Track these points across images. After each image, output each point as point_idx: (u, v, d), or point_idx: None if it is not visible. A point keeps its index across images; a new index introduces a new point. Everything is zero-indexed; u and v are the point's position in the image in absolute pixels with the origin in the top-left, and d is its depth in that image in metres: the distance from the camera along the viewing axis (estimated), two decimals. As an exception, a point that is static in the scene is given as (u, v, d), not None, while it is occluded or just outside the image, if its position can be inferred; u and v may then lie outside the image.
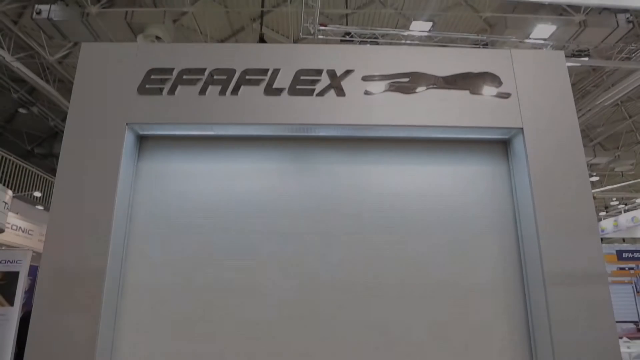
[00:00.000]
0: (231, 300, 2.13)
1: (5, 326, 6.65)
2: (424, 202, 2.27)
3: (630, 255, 11.94)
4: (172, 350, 2.06)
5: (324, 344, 2.08)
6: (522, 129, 2.21)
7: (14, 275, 6.85)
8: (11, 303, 6.75)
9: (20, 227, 9.93)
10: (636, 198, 17.11)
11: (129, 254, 2.17)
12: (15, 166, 11.29)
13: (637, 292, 12.35)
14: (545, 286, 1.98)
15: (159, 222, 2.22)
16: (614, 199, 18.67)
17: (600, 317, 1.97)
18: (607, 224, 14.52)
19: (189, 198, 2.26)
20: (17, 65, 9.15)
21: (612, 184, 15.23)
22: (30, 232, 10.10)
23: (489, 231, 2.24)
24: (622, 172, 15.66)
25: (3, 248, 8.92)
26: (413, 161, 2.35)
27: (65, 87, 10.97)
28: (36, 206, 11.53)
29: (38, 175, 12.10)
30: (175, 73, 2.25)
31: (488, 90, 2.26)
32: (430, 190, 2.30)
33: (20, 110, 12.74)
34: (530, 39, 8.49)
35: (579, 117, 2.29)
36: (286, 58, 2.29)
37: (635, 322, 12.28)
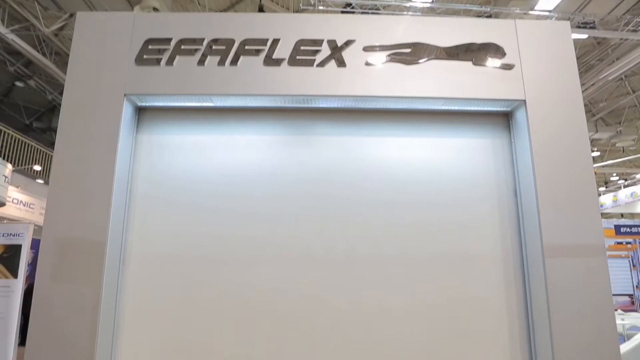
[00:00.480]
0: (231, 271, 2.15)
1: (10, 298, 6.77)
2: (425, 174, 2.27)
3: (628, 230, 12.05)
4: (175, 318, 2.10)
5: (323, 317, 2.11)
6: (524, 101, 2.18)
7: (17, 248, 6.93)
8: (15, 275, 6.85)
9: (21, 201, 9.97)
10: (636, 174, 17.12)
11: (129, 226, 2.18)
12: (15, 140, 11.26)
13: (634, 266, 12.52)
14: (543, 258, 2.00)
15: (159, 193, 2.23)
16: (614, 174, 18.69)
17: (597, 290, 1.99)
18: (606, 199, 14.58)
19: (188, 170, 2.26)
20: (12, 38, 8.99)
21: (613, 160, 15.21)
22: (31, 205, 10.15)
23: (489, 204, 2.24)
24: (623, 147, 15.63)
25: (5, 221, 8.97)
26: (414, 133, 2.33)
27: (62, 60, 10.84)
28: (36, 180, 11.55)
29: (37, 149, 12.08)
30: (173, 43, 2.21)
31: (491, 61, 2.22)
32: (431, 162, 2.29)
33: (17, 83, 12.62)
34: (534, 10, 8.33)
35: (582, 92, 2.26)
36: (286, 28, 2.25)
37: (630, 295, 12.50)
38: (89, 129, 2.12)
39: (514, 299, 2.15)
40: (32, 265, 7.36)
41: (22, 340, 6.51)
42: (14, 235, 7.06)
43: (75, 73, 2.19)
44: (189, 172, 2.25)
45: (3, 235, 7.03)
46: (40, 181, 11.60)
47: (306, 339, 2.09)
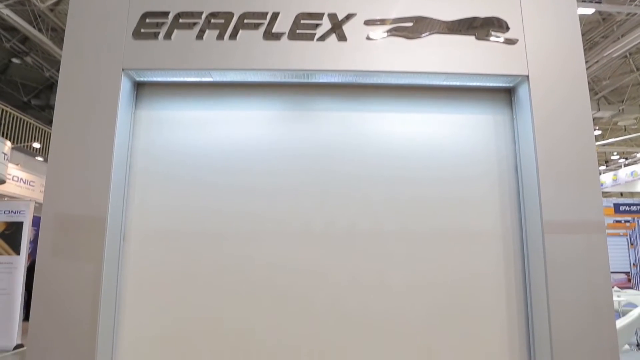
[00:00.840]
0: (231, 246, 2.16)
1: (13, 274, 6.85)
2: (425, 149, 2.26)
3: (627, 208, 12.09)
4: (176, 292, 2.12)
5: (323, 292, 2.14)
6: (527, 76, 2.15)
7: (18, 225, 6.98)
8: (17, 252, 6.92)
9: (21, 179, 9.98)
10: (637, 152, 17.08)
11: (129, 201, 2.19)
12: (13, 117, 11.19)
13: (631, 244, 12.62)
14: (543, 234, 2.01)
15: (159, 169, 2.22)
16: (615, 153, 18.65)
17: (596, 267, 2.01)
18: (606, 178, 14.58)
19: (188, 145, 2.25)
20: (6, 13, 8.84)
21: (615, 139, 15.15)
22: (31, 183, 10.16)
23: (490, 180, 2.24)
24: (625, 126, 15.55)
25: (6, 199, 9.00)
26: (415, 109, 2.31)
27: (59, 36, 10.68)
28: (36, 157, 11.54)
29: (36, 127, 12.03)
30: (170, 17, 2.17)
31: (494, 36, 2.18)
32: (432, 138, 2.28)
33: (14, 60, 12.46)
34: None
35: (586, 69, 2.23)
36: (286, 1, 2.20)
37: (626, 273, 12.65)
38: (87, 105, 2.10)
39: (512, 275, 2.17)
40: (34, 242, 7.42)
41: (27, 315, 6.62)
42: (15, 213, 7.10)
43: (71, 48, 2.16)
44: (188, 148, 2.24)
45: (4, 213, 7.08)
46: (40, 159, 11.58)
47: (306, 314, 2.12)
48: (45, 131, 12.23)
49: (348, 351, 2.10)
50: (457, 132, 2.29)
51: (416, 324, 2.12)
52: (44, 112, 14.86)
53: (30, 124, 11.89)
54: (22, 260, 6.97)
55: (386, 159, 2.25)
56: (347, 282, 2.15)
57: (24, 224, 7.06)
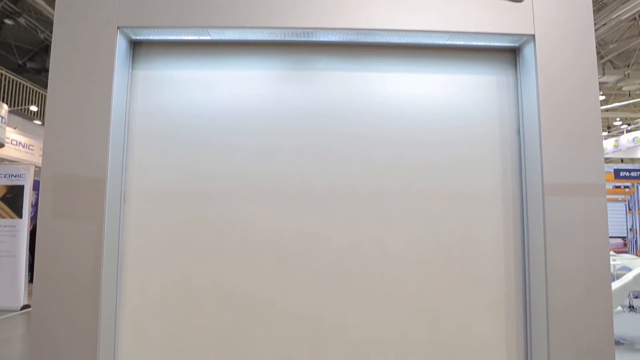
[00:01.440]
0: (231, 207, 2.17)
1: (17, 237, 6.94)
2: (427, 110, 2.23)
3: (627, 174, 12.11)
4: (177, 253, 2.15)
5: (323, 254, 2.16)
6: (533, 36, 2.10)
7: (20, 189, 7.01)
8: (20, 215, 6.99)
9: (20, 142, 9.94)
10: (640, 118, 16.93)
11: (129, 162, 2.17)
12: (9, 80, 11.02)
13: (629, 210, 12.74)
14: (543, 196, 2.01)
15: (158, 129, 2.20)
16: (618, 119, 18.50)
17: (595, 229, 2.02)
18: (608, 144, 14.52)
19: (186, 105, 2.21)
20: (-3, -30, 8.54)
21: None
22: (30, 147, 10.13)
23: (492, 141, 2.22)
24: (629, 91, 15.33)
25: (5, 163, 8.99)
26: (417, 69, 2.26)
27: (51, -5, 10.36)
28: (34, 121, 11.44)
29: (33, 90, 11.87)
30: (166, -29, 2.09)
31: (501, -7, 2.11)
32: (434, 98, 2.24)
33: (7, 21, 12.15)
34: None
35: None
36: (285, -45, 2.11)
37: (623, 238, 12.83)
38: (82, 65, 2.06)
39: (512, 237, 2.18)
40: (36, 206, 7.47)
41: (32, 277, 6.75)
42: (15, 176, 7.11)
43: (64, 6, 2.09)
44: (187, 108, 2.21)
45: (5, 177, 7.09)
46: (38, 122, 11.49)
47: (306, 276, 2.15)
48: (41, 94, 12.08)
49: (348, 313, 2.14)
50: (459, 93, 2.25)
51: (416, 286, 2.16)
52: (40, 75, 14.62)
53: (26, 87, 11.72)
54: (24, 223, 7.04)
55: (387, 119, 2.22)
56: (347, 244, 2.17)
57: (24, 187, 7.09)
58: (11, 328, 5.75)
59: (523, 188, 2.19)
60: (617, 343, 5.00)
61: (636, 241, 12.69)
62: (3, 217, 7.01)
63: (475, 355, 2.14)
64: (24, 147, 10.01)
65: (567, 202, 2.02)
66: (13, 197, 7.05)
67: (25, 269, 6.93)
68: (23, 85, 11.56)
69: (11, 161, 9.25)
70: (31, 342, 1.94)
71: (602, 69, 13.49)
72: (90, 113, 2.03)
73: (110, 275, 2.04)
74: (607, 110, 15.66)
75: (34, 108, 11.64)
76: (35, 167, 7.81)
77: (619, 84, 14.35)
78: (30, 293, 6.79)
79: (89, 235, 1.97)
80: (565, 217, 2.01)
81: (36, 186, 7.50)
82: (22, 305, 6.83)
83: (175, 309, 2.13)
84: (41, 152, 2.11)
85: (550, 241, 2.00)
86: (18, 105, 11.11)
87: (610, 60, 13.87)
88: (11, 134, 9.71)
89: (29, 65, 14.54)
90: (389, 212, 2.18)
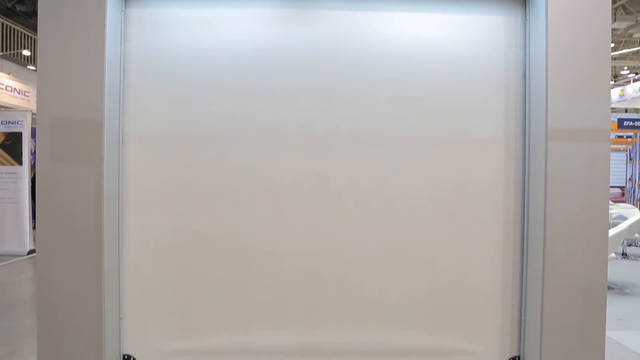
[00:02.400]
0: (231, 148, 2.15)
1: (18, 184, 6.97)
2: (431, 51, 2.16)
3: (631, 123, 11.98)
4: (177, 195, 2.15)
5: (323, 196, 2.16)
6: (546, -28, 1.99)
7: (18, 136, 6.96)
8: (20, 162, 6.97)
9: (15, 89, 9.75)
10: (648, 67, 16.51)
11: (126, 104, 2.13)
12: (-1, 24, 10.65)
13: (630, 160, 12.71)
14: (546, 142, 1.98)
15: (154, 70, 2.14)
16: (625, 67, 18.05)
17: (596, 176, 2.01)
18: (613, 94, 14.23)
19: (183, 45, 2.14)
20: None
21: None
22: (26, 93, 9.95)
23: (496, 85, 2.17)
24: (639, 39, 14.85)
25: (1, 110, 8.87)
26: (422, 8, 2.17)
27: None
28: (27, 66, 11.18)
29: (24, 34, 11.50)
30: None
31: None
32: (439, 39, 2.16)
33: (-7, -40, 11.55)
34: None
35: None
36: None
37: (621, 188, 12.90)
38: (72, 3, 1.96)
39: (512, 183, 2.18)
40: (36, 154, 7.45)
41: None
42: (13, 123, 7.04)
43: (50, -63, 1.96)
44: (184, 48, 2.14)
45: (2, 123, 7.01)
46: (32, 68, 11.22)
47: (305, 221, 2.17)
48: (33, 39, 11.70)
49: (347, 259, 2.18)
50: (466, 34, 2.17)
51: (415, 231, 2.18)
52: (31, 19, 14.09)
53: (17, 31, 11.34)
54: (25, 170, 7.05)
55: (390, 60, 2.16)
56: (347, 188, 2.17)
57: (22, 134, 7.03)
58: (19, 272, 5.92)
59: (526, 133, 2.16)
60: (608, 288, 5.17)
61: (634, 191, 12.79)
62: (3, 164, 7.01)
63: (472, 299, 2.20)
64: (19, 93, 9.83)
65: (570, 147, 2.00)
66: (12, 144, 7.01)
67: (29, 216, 7.01)
68: (14, 29, 11.18)
69: (7, 108, 9.12)
70: (38, 286, 1.99)
71: (614, 14, 12.99)
72: (82, 54, 1.96)
73: (112, 219, 2.06)
74: (615, 59, 15.24)
75: (26, 52, 11.32)
76: (33, 114, 7.70)
77: (630, 31, 13.87)
78: (35, 239, 6.92)
79: (88, 179, 1.97)
80: (567, 163, 2.00)
81: (34, 134, 7.44)
82: (28, 250, 6.97)
83: (175, 253, 2.17)
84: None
85: (551, 187, 1.99)
86: (9, 50, 10.80)
87: (622, 5, 13.32)
88: (5, 79, 9.50)
89: (18, 8, 13.97)
90: (390, 156, 2.17)
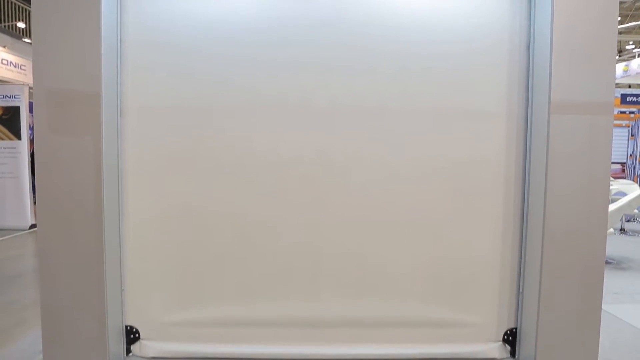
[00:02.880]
0: (230, 121, 2.13)
1: (18, 158, 6.95)
2: (433, 20, 2.11)
3: (634, 99, 11.87)
4: (175, 166, 2.14)
5: (324, 168, 2.15)
6: (554, -62, 1.92)
7: (16, 110, 6.90)
8: (18, 137, 6.94)
9: (11, 62, 9.62)
10: (654, 41, 16.26)
11: (124, 75, 2.09)
12: (-8, -5, 10.44)
13: (632, 135, 12.66)
14: (549, 115, 1.96)
15: (152, 41, 2.09)
16: (631, 42, 17.78)
17: (598, 151, 1.99)
18: (617, 69, 14.05)
19: (182, 14, 2.09)
20: None
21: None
22: (22, 67, 9.83)
23: (499, 56, 2.12)
24: (646, 11, 14.56)
25: (-1, 83, 8.76)
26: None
27: None
28: (23, 39, 11.00)
29: (18, 6, 11.28)
30: None
31: None
32: (441, 9, 2.11)
33: None
34: None
35: None
36: None
37: (622, 164, 12.89)
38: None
39: (513, 155, 2.16)
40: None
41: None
42: (10, 97, 6.97)
43: None
44: (182, 18, 2.09)
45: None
46: (27, 40, 11.04)
47: (306, 194, 2.16)
48: (28, 11, 11.48)
49: (348, 230, 2.18)
50: (469, 4, 2.11)
51: (417, 203, 2.18)
52: (25, -10, 13.78)
53: (11, 2, 11.12)
54: (24, 144, 7.02)
55: (392, 31, 2.11)
56: (349, 160, 2.15)
57: (20, 108, 6.98)
58: (21, 246, 5.96)
59: (529, 105, 2.13)
60: (605, 262, 5.21)
61: (635, 167, 12.77)
62: (2, 139, 6.98)
63: (471, 272, 2.21)
64: (15, 67, 9.71)
65: (573, 121, 1.97)
66: (10, 119, 6.96)
67: (30, 190, 7.02)
68: (7, 1, 10.96)
69: (4, 81, 9.02)
70: (40, 260, 2.00)
71: (621, -14, 12.70)
72: (78, 25, 1.91)
73: (112, 191, 2.05)
74: (620, 32, 14.97)
75: (21, 25, 11.12)
76: (30, 88, 7.61)
77: (638, 4, 13.60)
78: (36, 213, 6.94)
79: (87, 152, 1.95)
80: (569, 137, 1.97)
81: (32, 108, 7.38)
82: (30, 224, 7.01)
83: (176, 225, 2.17)
84: (33, 70, 2.01)
85: (552, 160, 1.98)
86: (4, 22, 10.61)
87: (630, -23, 13.02)
88: (1, 52, 9.38)
89: (12, -22, 13.63)
90: (392, 128, 2.15)
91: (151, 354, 2.20)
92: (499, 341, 2.24)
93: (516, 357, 2.21)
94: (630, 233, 7.11)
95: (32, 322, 3.03)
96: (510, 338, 2.23)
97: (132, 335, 2.20)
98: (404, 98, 2.13)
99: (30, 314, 3.21)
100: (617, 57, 16.87)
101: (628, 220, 7.85)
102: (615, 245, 5.99)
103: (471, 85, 2.14)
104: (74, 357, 2.02)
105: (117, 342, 2.11)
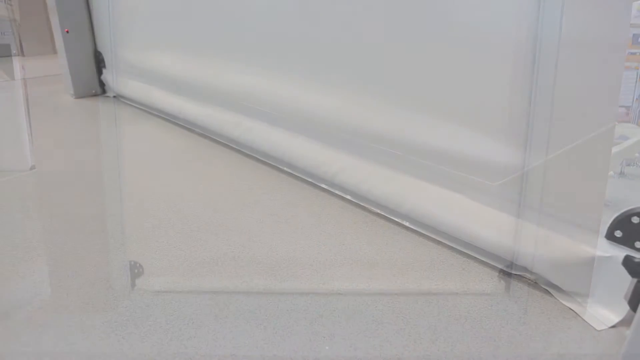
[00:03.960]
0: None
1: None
2: None
3: (646, 40, 11.45)
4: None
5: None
6: None
7: (6, 48, 6.66)
8: (12, 77, 6.76)
9: (-2, -3, 9.18)
10: (673, -23, 15.40)
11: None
12: None
13: (639, 78, 12.34)
14: (558, 50, 1.87)
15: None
16: (648, -21, 16.86)
17: (605, 90, 1.91)
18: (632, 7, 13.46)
19: None
20: None
21: (652, -40, 13.45)
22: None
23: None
24: (667, -56, 13.68)
25: (-13, 20, 8.43)
26: None
27: None
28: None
29: None
30: None
31: None
32: None
33: None
34: None
35: None
36: None
37: (627, 107, 12.69)
38: None
39: (518, 94, 2.09)
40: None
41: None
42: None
43: None
44: None
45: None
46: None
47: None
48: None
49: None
50: None
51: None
52: None
53: None
54: (18, 85, 6.87)
55: None
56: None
57: (10, 46, 6.74)
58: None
59: (538, 39, 2.02)
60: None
61: (639, 112, 12.58)
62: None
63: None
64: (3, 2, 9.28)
65: (583, 57, 1.88)
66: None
67: (28, 130, 6.94)
68: None
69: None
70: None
71: None
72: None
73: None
74: (638, -33, 14.14)
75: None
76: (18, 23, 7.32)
77: (658, -64, 12.74)
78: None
79: None
80: (578, 74, 1.89)
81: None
82: (30, 165, 7.01)
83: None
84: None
85: (559, 97, 1.91)
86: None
87: None
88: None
89: None
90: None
91: (156, 288, 2.25)
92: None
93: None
94: (630, 177, 7.13)
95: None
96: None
97: (135, 270, 2.24)
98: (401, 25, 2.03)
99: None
100: (632, -4, 16.10)
101: (628, 165, 7.85)
102: (614, 189, 6.01)
103: (477, 15, 2.02)
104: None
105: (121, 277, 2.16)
